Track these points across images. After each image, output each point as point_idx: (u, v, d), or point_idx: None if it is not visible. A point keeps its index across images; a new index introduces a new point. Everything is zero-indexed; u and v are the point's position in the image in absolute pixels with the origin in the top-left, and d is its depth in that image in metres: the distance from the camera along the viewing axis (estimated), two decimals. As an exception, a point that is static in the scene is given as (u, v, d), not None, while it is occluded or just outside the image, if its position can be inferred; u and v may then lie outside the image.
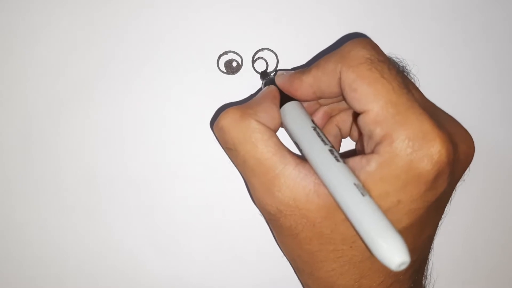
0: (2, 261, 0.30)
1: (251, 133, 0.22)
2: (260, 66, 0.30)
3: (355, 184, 0.20)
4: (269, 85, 0.27)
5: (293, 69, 0.30)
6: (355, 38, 0.22)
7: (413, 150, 0.20)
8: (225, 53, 0.30)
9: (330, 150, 0.21)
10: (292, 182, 0.22)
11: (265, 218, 0.25)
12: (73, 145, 0.30)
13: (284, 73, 0.26)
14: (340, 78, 0.22)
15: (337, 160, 0.21)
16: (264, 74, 0.30)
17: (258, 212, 0.30)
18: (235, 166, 0.24)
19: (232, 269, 0.31)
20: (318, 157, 0.21)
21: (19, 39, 0.30)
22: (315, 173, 0.22)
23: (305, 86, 0.24)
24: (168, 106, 0.30)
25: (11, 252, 0.30)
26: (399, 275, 0.24)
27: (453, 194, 0.25)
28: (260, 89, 0.30)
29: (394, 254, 0.17)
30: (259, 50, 0.30)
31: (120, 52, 0.30)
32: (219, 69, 0.30)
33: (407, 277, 0.24)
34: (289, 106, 0.25)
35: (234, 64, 0.30)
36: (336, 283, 0.23)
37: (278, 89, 0.26)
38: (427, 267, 0.27)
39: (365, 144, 0.22)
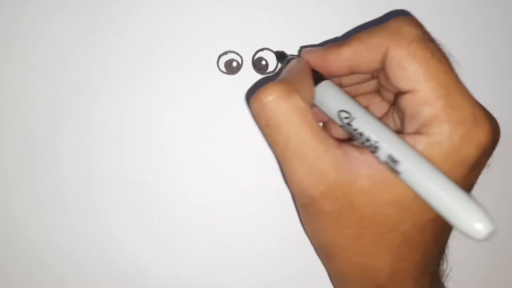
0: (2, 261, 0.30)
1: (296, 112, 0.21)
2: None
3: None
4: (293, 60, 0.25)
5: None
6: (403, 15, 0.22)
7: (464, 133, 0.20)
8: (225, 53, 0.30)
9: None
10: (337, 164, 0.21)
11: (298, 204, 0.23)
12: (73, 145, 0.30)
13: (313, 48, 0.24)
14: (386, 55, 0.21)
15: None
16: (281, 56, 0.28)
17: (258, 212, 0.30)
18: (272, 145, 0.22)
19: (232, 269, 0.31)
20: (384, 132, 0.20)
21: (19, 39, 0.30)
22: (355, 155, 0.21)
23: (342, 60, 0.22)
24: (168, 106, 0.30)
25: (11, 252, 0.30)
26: (432, 256, 0.23)
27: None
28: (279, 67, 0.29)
29: (486, 227, 0.18)
30: (259, 50, 0.30)
31: (120, 52, 0.30)
32: (219, 69, 0.30)
33: (438, 259, 0.24)
34: (326, 85, 0.23)
35: (234, 64, 0.30)
36: (376, 267, 0.23)
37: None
38: (447, 251, 0.27)
39: (406, 124, 0.21)
